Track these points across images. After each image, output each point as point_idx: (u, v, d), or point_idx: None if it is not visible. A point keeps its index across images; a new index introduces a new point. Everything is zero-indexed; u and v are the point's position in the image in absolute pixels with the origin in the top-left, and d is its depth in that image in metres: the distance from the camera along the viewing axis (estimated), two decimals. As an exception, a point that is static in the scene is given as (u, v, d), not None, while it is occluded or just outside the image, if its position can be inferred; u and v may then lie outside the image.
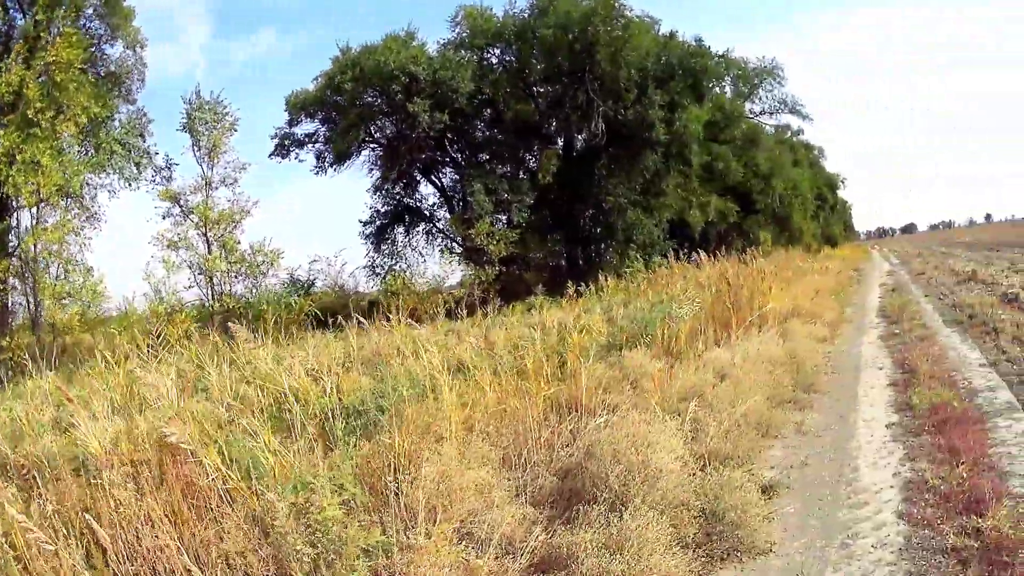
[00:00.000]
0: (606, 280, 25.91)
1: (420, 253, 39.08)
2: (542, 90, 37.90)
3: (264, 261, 30.13)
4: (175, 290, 27.94)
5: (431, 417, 8.74)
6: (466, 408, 9.48)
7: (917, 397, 12.17)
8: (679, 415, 9.78)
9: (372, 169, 38.83)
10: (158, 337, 13.34)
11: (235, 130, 30.54)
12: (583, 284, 24.74)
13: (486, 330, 18.67)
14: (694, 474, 8.47)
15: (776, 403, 12.46)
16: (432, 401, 9.15)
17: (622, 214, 36.77)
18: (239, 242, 30.02)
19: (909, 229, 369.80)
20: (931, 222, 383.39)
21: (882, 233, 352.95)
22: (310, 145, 37.63)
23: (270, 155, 37.58)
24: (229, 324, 12.24)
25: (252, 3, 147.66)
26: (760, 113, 62.68)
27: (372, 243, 38.68)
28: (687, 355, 14.52)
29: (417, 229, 39.85)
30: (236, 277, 29.78)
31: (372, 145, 37.80)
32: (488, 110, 37.25)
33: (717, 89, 50.67)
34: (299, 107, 36.35)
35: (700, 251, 25.11)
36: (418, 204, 40.14)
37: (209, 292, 29.48)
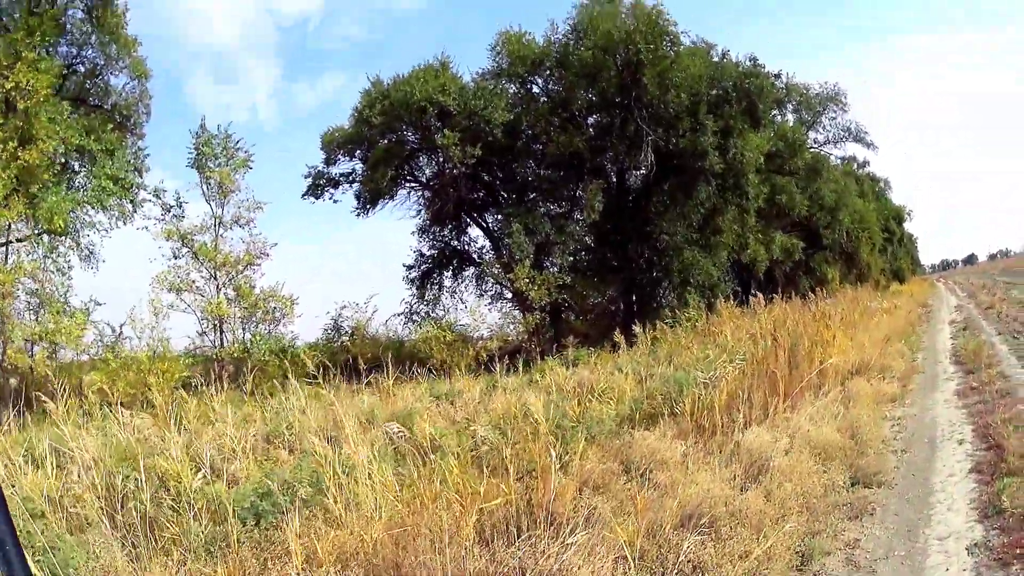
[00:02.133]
0: (649, 329, 23.56)
1: (461, 299, 36.61)
2: (589, 120, 35.14)
3: (277, 307, 27.70)
4: (163, 336, 25.19)
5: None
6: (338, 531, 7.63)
7: (1008, 495, 9.17)
8: (668, 553, 7.62)
9: (420, 211, 36.38)
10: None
11: (249, 167, 28.13)
12: (631, 333, 23.14)
13: (484, 396, 16.53)
14: None
15: (824, 509, 9.68)
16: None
17: (678, 253, 33.98)
18: (253, 286, 27.70)
19: (970, 260, 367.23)
20: (989, 251, 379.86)
21: (946, 265, 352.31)
22: (346, 185, 35.33)
23: (303, 195, 35.38)
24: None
25: (318, 46, 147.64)
26: (824, 143, 59.47)
27: (415, 287, 36.30)
28: (719, 435, 11.96)
29: (465, 274, 37.41)
30: (247, 323, 27.52)
31: (413, 184, 35.69)
32: (533, 144, 34.46)
33: (779, 117, 48.72)
34: (334, 145, 34.26)
35: (760, 293, 22.54)
36: (466, 247, 37.54)
37: (217, 339, 27.06)
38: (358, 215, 35.37)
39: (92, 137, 24.86)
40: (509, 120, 31.41)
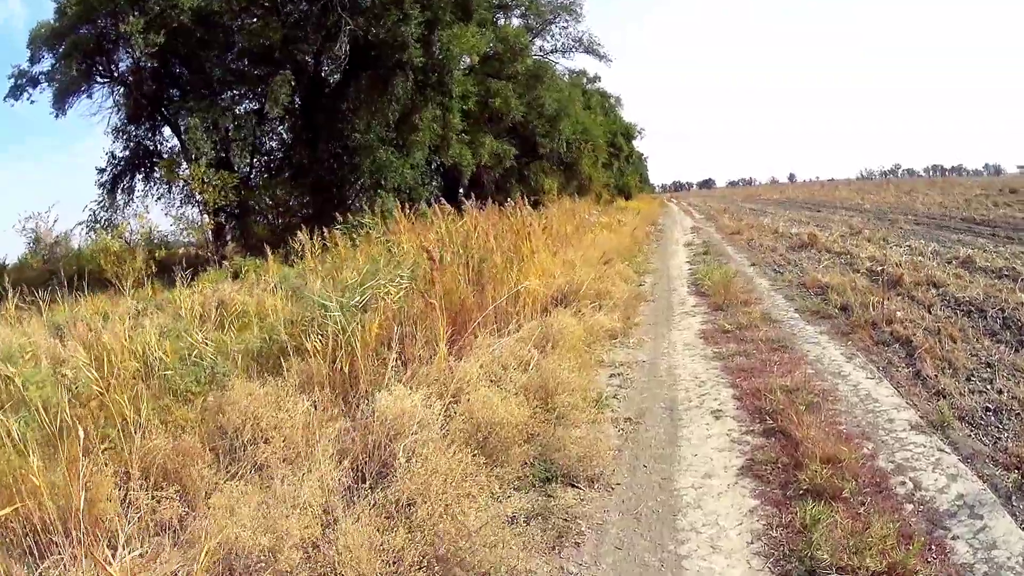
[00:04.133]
0: (318, 236, 19.18)
1: (142, 204, 33.00)
2: (288, 9, 31.24)
3: None
4: None
5: None
6: None
7: (827, 541, 5.65)
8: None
9: (119, 109, 32.80)
10: None
11: None
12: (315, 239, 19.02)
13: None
14: None
15: (487, 541, 5.69)
16: None
17: (369, 152, 30.91)
18: None
19: (707, 184, 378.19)
20: (730, 178, 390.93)
21: (678, 187, 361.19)
22: (45, 84, 30.63)
23: (4, 97, 30.83)
24: None
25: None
26: (552, 51, 56.73)
27: (106, 192, 32.39)
28: (363, 385, 8.40)
29: (157, 176, 33.41)
30: None
31: (107, 79, 31.59)
32: (232, 35, 30.74)
33: (503, 20, 46.95)
34: (39, 41, 29.87)
35: (469, 199, 18.59)
36: (159, 147, 33.88)
37: None
38: (56, 116, 31.11)
39: None
40: (201, 5, 27.78)
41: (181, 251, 28.76)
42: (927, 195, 58.41)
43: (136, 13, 25.92)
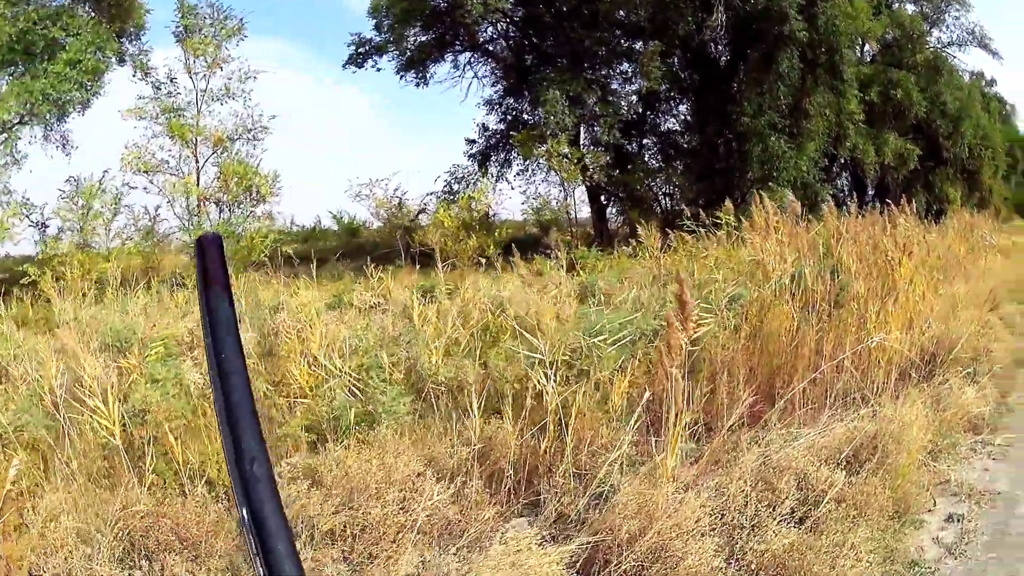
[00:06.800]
0: (674, 235, 16.84)
1: (507, 181, 33.31)
2: None
3: (252, 187, 24.37)
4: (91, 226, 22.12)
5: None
6: None
7: None
8: None
9: (492, 81, 33.85)
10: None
11: (244, 36, 25.14)
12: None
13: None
14: None
15: None
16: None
17: (760, 141, 28.20)
18: (248, 164, 24.67)
19: None
20: None
21: None
22: (393, 51, 31.52)
23: (344, 64, 32.54)
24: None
25: None
26: (948, 44, 49.76)
27: (476, 164, 33.30)
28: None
29: (540, 149, 31.06)
30: (234, 206, 24.54)
31: (461, 50, 32.49)
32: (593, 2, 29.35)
33: (896, 5, 42.65)
34: (383, 8, 30.51)
35: (880, 203, 16.23)
36: (538, 121, 31.41)
37: (194, 223, 23.77)
38: (418, 85, 32.84)
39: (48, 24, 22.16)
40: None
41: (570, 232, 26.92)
42: None
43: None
